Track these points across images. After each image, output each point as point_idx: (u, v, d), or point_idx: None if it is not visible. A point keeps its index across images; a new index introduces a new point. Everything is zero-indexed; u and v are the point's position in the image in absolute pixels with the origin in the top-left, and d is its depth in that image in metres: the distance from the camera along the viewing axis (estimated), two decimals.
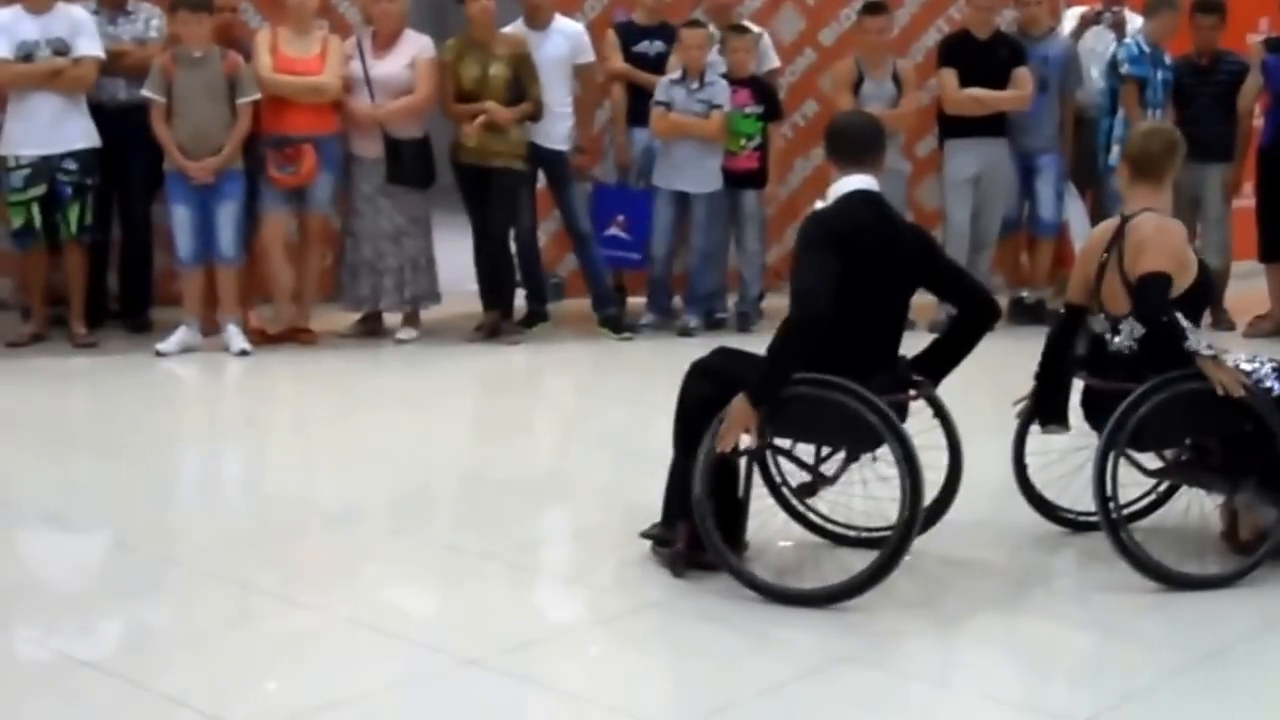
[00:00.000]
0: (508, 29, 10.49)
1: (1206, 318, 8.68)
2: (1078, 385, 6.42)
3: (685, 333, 10.60)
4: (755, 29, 11.16)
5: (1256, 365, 6.04)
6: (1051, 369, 6.51)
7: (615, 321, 10.62)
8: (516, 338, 10.37)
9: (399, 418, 8.64)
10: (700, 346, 10.14)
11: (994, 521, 6.62)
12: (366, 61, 10.16)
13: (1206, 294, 6.49)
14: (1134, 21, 11.33)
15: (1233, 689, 5.03)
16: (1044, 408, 6.55)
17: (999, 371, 10.00)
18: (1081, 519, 6.43)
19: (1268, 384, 5.95)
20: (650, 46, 10.80)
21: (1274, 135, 10.46)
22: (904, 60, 11.22)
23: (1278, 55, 10.49)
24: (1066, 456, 6.30)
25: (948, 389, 9.75)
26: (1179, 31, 11.01)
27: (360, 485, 7.28)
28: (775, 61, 11.29)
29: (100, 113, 9.94)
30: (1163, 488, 6.54)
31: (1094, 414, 6.22)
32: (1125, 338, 6.06)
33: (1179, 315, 5.81)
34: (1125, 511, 5.98)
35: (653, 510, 6.62)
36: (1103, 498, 5.74)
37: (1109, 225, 6.31)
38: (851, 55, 10.96)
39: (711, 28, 10.80)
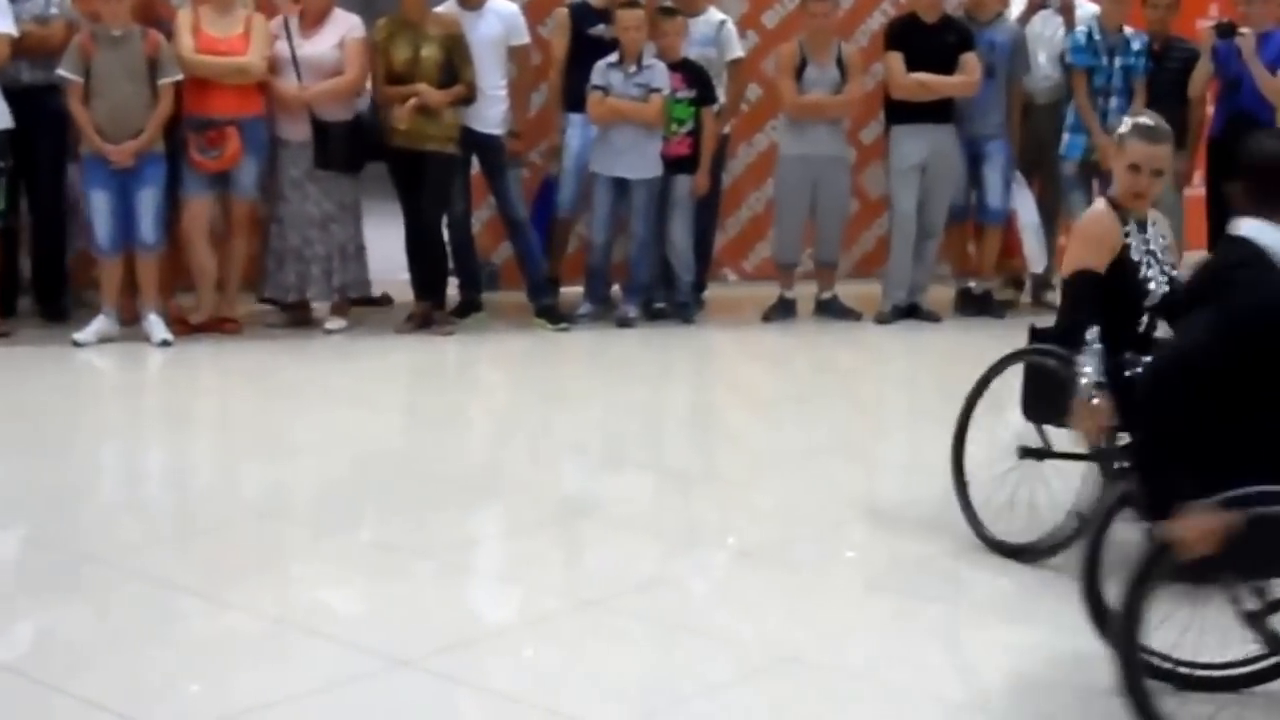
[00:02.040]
0: (440, 8, 10.22)
1: None
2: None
3: (624, 323, 10.39)
4: (720, 16, 10.91)
5: None
6: None
7: (551, 312, 10.36)
8: (449, 328, 10.09)
9: (327, 411, 8.39)
10: (639, 337, 10.12)
11: (946, 516, 6.37)
12: (293, 42, 9.87)
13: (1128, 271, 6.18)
14: (1086, 8, 11.13)
15: None
16: None
17: (946, 363, 9.96)
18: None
19: None
20: (606, 30, 10.50)
21: (1225, 123, 10.29)
22: (849, 44, 11.02)
23: (1228, 41, 10.30)
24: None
25: (892, 380, 9.76)
26: (1133, 16, 10.80)
27: (287, 481, 7.08)
28: (738, 51, 11.01)
29: (4, 95, 9.57)
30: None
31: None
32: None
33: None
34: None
35: (587, 504, 6.49)
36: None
37: None
38: (795, 39, 10.74)
39: (713, 10, 10.73)
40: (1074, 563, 5.71)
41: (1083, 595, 4.73)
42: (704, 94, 10.51)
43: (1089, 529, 4.87)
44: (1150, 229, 5.90)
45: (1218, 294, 4.34)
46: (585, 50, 10.45)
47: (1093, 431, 5.46)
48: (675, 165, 10.48)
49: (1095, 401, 5.38)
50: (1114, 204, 5.90)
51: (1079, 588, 4.71)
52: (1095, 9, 10.99)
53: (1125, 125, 5.92)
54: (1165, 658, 4.57)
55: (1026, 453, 6.15)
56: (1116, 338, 5.68)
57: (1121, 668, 4.18)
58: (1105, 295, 5.78)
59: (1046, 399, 5.91)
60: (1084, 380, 5.46)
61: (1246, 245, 4.42)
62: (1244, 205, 4.47)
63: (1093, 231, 5.87)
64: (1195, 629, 4.55)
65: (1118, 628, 4.25)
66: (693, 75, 10.47)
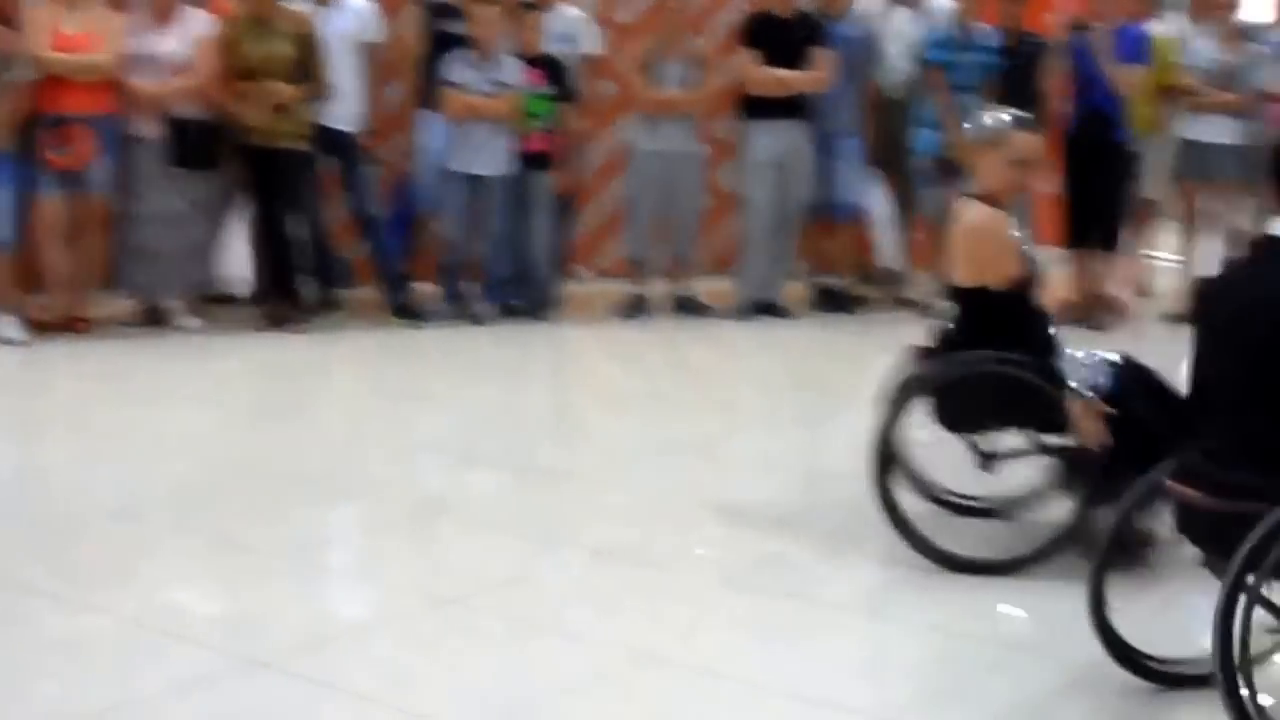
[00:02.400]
0: (293, 4, 10.12)
1: None
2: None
3: (479, 320, 10.37)
4: (575, 11, 10.93)
5: (1084, 357, 5.86)
6: None
7: (406, 309, 10.32)
8: (303, 326, 10.02)
9: (182, 410, 8.31)
10: (494, 334, 10.11)
11: (803, 513, 6.52)
12: (145, 38, 9.74)
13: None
14: (939, 3, 11.24)
15: None
16: None
17: (801, 360, 10.05)
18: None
19: (1100, 380, 5.72)
20: (461, 26, 10.45)
21: (1079, 120, 10.43)
22: (703, 39, 11.04)
23: (1081, 36, 10.44)
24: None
25: (747, 377, 9.81)
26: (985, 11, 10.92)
27: (141, 480, 6.96)
28: (594, 47, 11.04)
29: None
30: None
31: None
32: (948, 320, 6.00)
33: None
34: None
35: (443, 502, 6.45)
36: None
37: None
38: (649, 35, 10.74)
39: (568, 6, 10.83)
40: (924, 560, 5.87)
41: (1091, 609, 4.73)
42: (564, 90, 10.51)
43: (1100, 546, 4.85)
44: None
45: None
46: (439, 46, 10.42)
47: (1094, 433, 5.53)
48: (534, 161, 10.47)
49: (1089, 403, 5.52)
50: (988, 201, 5.93)
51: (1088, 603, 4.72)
52: (949, 5, 11.09)
53: (999, 119, 5.95)
54: None
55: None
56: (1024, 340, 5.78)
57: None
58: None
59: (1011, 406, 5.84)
60: (1075, 384, 5.56)
61: None
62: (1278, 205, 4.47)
63: (1005, 235, 5.87)
64: None
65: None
66: (552, 71, 10.47)
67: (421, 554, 6.11)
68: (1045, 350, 5.72)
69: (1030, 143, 6.00)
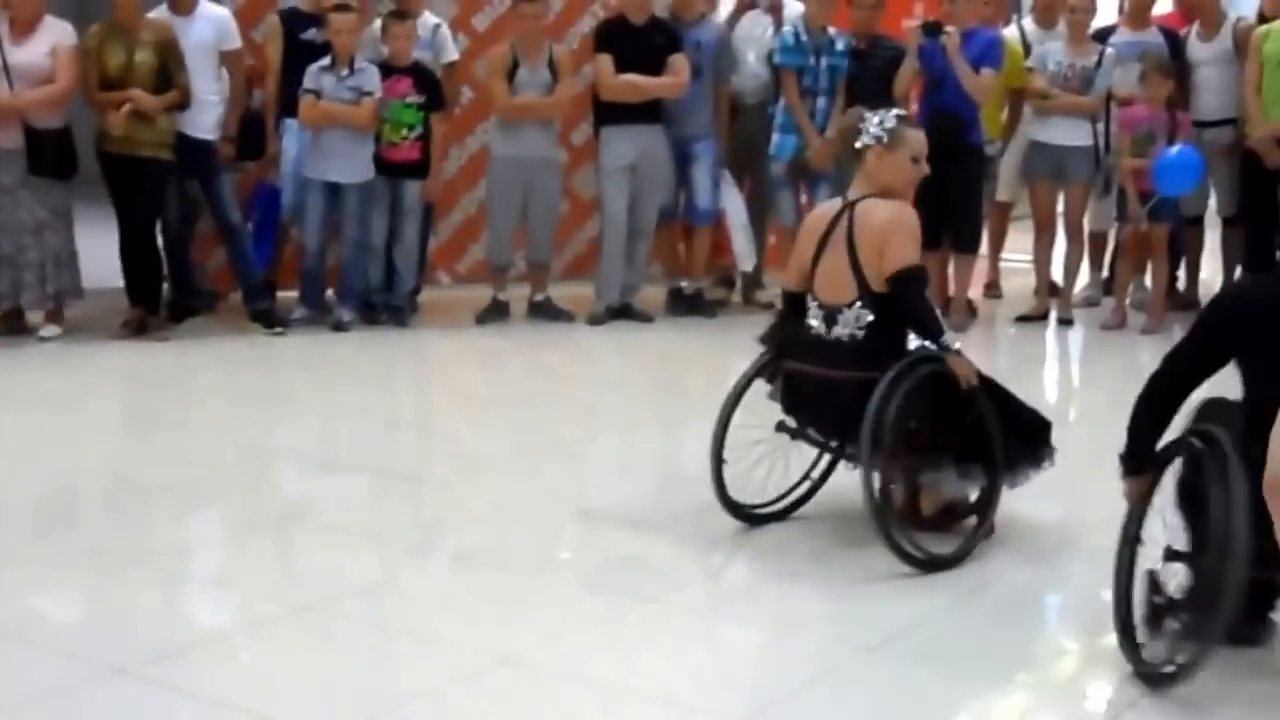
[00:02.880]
0: (152, 14, 10.09)
1: None
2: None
3: (339, 327, 10.35)
4: (434, 19, 10.94)
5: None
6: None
7: (267, 316, 10.31)
8: (165, 334, 9.98)
9: (41, 418, 8.24)
10: (355, 341, 10.11)
11: (661, 516, 6.59)
12: (4, 48, 9.65)
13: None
14: (793, 7, 11.34)
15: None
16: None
17: (659, 364, 10.12)
18: (759, 510, 6.42)
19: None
20: (318, 34, 10.43)
21: (929, 120, 10.54)
22: (559, 46, 11.07)
23: (934, 40, 10.57)
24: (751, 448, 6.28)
25: (605, 381, 9.86)
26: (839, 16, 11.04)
27: (0, 487, 6.91)
28: (453, 54, 11.06)
29: None
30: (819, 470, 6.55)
31: (803, 402, 6.27)
32: (847, 326, 6.05)
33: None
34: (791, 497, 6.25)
35: (304, 509, 6.48)
36: (870, 496, 5.77)
37: (829, 209, 6.30)
38: (506, 41, 10.78)
39: (427, 14, 10.83)
40: (779, 555, 5.96)
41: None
42: (433, 99, 10.53)
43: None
44: None
45: None
46: (298, 55, 10.39)
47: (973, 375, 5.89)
48: (404, 170, 10.48)
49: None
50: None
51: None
52: (802, 9, 11.18)
53: (888, 120, 6.11)
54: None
55: (781, 428, 6.34)
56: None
57: None
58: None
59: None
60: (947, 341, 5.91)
61: None
62: None
63: (915, 225, 6.05)
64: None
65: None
66: (422, 80, 10.48)
67: (282, 560, 6.14)
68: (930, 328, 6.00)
69: (922, 139, 6.20)
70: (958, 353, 5.91)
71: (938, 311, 5.97)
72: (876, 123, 6.11)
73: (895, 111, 6.24)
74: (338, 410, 8.65)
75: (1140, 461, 5.14)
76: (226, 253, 10.54)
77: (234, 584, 5.85)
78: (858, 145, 6.13)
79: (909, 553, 5.84)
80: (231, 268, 10.56)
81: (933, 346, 5.98)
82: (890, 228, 5.98)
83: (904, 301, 5.98)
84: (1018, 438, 6.16)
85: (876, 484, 5.80)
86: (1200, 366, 5.04)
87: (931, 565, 5.87)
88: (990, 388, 6.13)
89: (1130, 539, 5.01)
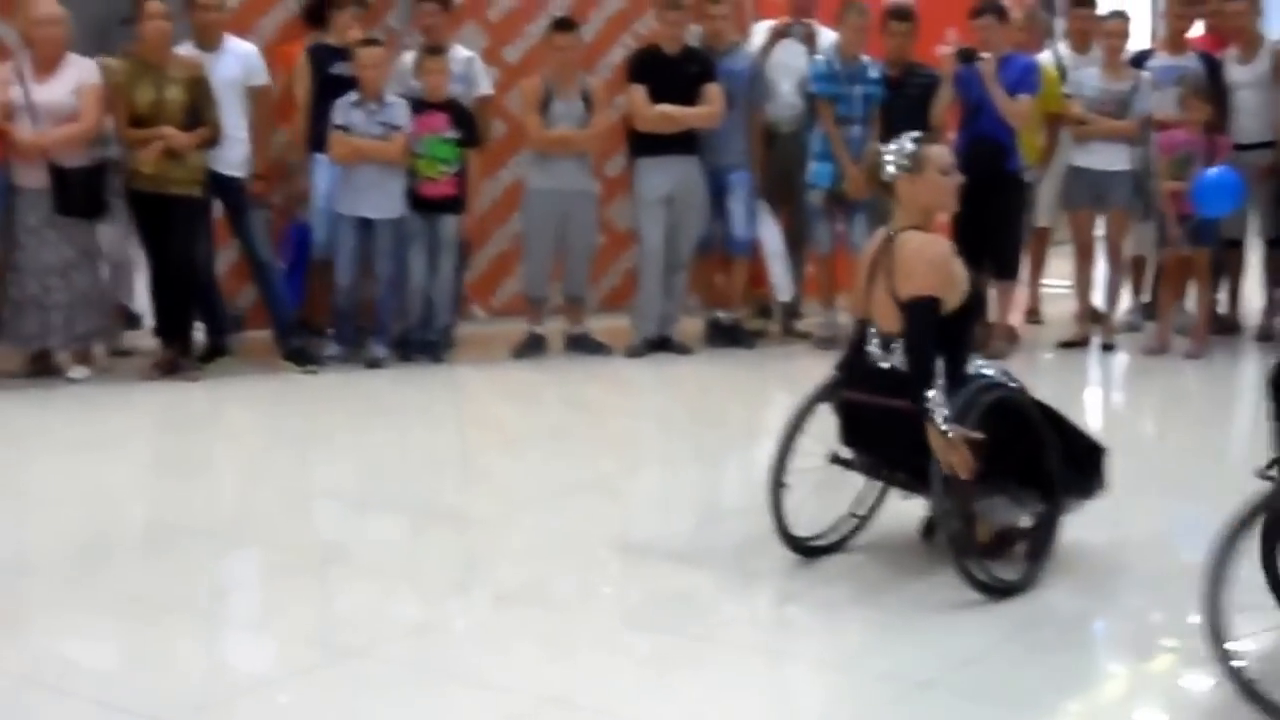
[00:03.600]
0: (179, 49, 10.01)
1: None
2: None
3: (373, 364, 10.27)
4: (466, 53, 10.88)
5: (991, 372, 6.16)
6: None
7: (300, 354, 10.22)
8: (196, 374, 9.90)
9: (74, 461, 8.16)
10: (390, 378, 10.03)
11: (701, 550, 6.48)
12: (27, 87, 9.60)
13: (977, 308, 6.56)
14: (828, 35, 11.25)
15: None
16: None
17: (698, 397, 10.03)
18: (814, 543, 6.34)
19: (1012, 383, 6.09)
20: (347, 68, 10.36)
21: (967, 147, 10.45)
22: (592, 77, 10.99)
23: (970, 66, 10.49)
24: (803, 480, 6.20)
25: (644, 414, 9.77)
26: (872, 44, 10.96)
27: (34, 533, 6.86)
28: (487, 88, 11.00)
29: None
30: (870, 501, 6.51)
31: (862, 431, 6.22)
32: (900, 354, 5.99)
33: (937, 363, 5.81)
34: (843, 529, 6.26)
35: (342, 550, 6.42)
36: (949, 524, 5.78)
37: (876, 239, 6.24)
38: (539, 73, 10.71)
39: (459, 48, 10.82)
40: (826, 589, 5.86)
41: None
42: (469, 134, 10.45)
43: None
44: None
45: None
46: (328, 90, 10.34)
47: (963, 464, 5.66)
48: (440, 205, 10.40)
49: (954, 433, 5.66)
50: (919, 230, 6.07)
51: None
52: (835, 37, 11.11)
53: (905, 145, 6.07)
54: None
55: (836, 460, 6.28)
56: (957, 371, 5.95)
57: None
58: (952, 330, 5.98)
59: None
60: (941, 415, 5.69)
61: None
62: None
63: (951, 268, 5.98)
64: None
65: None
66: (457, 115, 10.40)
67: (322, 604, 6.06)
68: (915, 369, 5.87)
69: (945, 151, 6.20)
70: (945, 433, 5.70)
71: (937, 362, 5.84)
72: (895, 151, 6.09)
73: (910, 135, 6.18)
74: (374, 449, 8.54)
75: None
76: (259, 291, 10.47)
77: (273, 629, 5.77)
78: (885, 179, 6.10)
79: (978, 578, 5.77)
80: (264, 306, 10.48)
81: (992, 375, 5.99)
82: (913, 258, 5.94)
83: (910, 332, 5.91)
84: (1071, 464, 6.08)
85: (951, 512, 5.76)
86: None
87: (997, 592, 5.80)
88: (1047, 413, 6.05)
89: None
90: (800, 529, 6.26)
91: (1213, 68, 11.39)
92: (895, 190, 6.10)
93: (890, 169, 6.06)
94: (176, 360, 9.90)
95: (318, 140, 10.40)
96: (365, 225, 10.24)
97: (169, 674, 5.16)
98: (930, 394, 5.73)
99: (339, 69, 10.43)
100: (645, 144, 10.77)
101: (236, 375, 10.09)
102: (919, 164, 6.04)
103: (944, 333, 5.93)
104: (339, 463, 8.36)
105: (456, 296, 10.96)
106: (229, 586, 6.43)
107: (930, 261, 5.93)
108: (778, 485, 6.16)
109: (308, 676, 5.19)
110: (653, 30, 11.19)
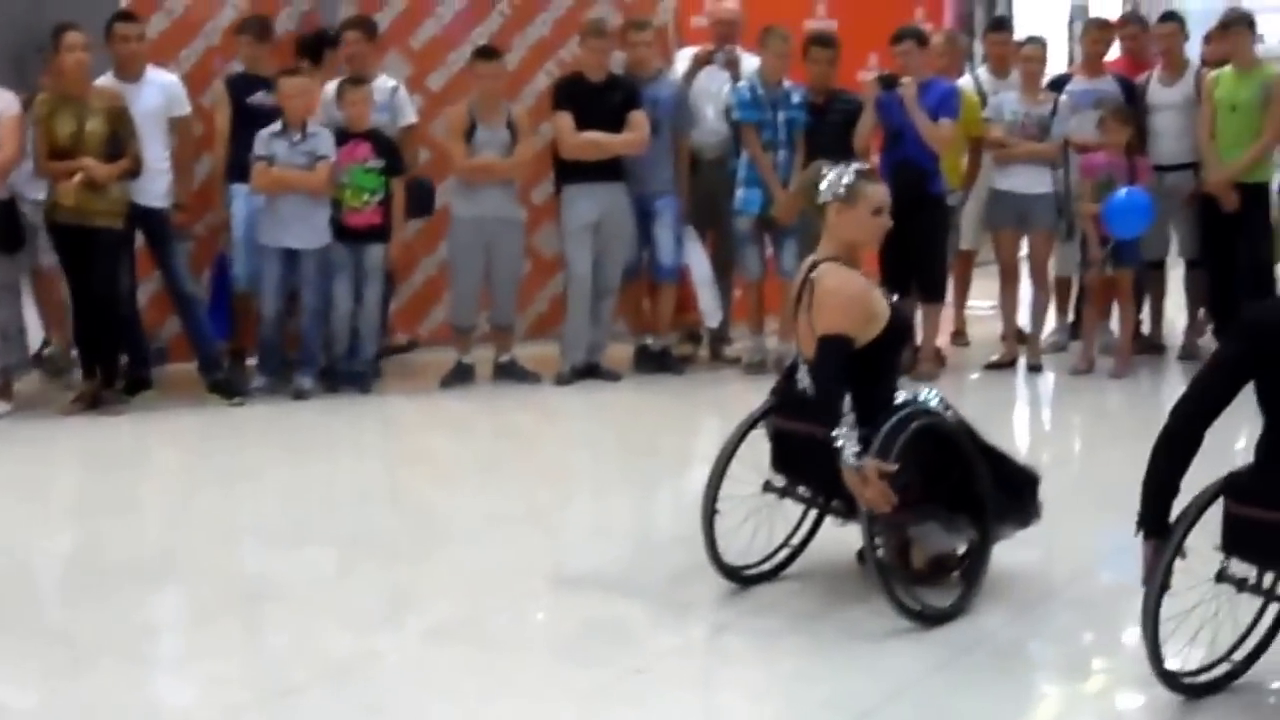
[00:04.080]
0: (99, 81, 9.93)
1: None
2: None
3: (300, 395, 10.18)
4: (391, 82, 10.83)
5: (927, 395, 6.18)
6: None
7: (225, 386, 10.13)
8: (119, 407, 9.80)
9: None
10: (317, 409, 9.95)
11: (636, 579, 6.51)
12: None
13: (901, 337, 6.52)
14: (751, 61, 11.25)
15: None
16: None
17: (628, 424, 10.01)
18: (749, 571, 6.36)
19: (944, 409, 6.12)
20: (267, 98, 10.32)
21: (890, 172, 10.46)
22: (517, 105, 10.96)
23: (892, 91, 10.52)
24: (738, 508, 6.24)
25: (574, 442, 9.74)
26: (794, 70, 10.98)
27: None
28: (412, 117, 10.93)
29: None
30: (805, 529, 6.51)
31: (792, 459, 6.26)
32: None
33: (846, 403, 5.79)
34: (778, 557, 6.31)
35: (272, 586, 6.38)
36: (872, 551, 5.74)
37: (804, 267, 6.25)
38: (464, 101, 10.67)
39: (384, 77, 10.75)
40: (763, 617, 5.85)
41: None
42: (392, 163, 10.41)
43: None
44: None
45: None
46: (247, 120, 10.28)
47: (878, 498, 5.66)
48: (366, 235, 10.35)
49: (868, 469, 5.66)
50: (844, 260, 6.07)
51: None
52: (758, 63, 11.10)
53: (845, 175, 6.06)
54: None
55: (768, 488, 6.30)
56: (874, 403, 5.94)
57: None
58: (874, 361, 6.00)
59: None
60: (851, 452, 5.70)
61: None
62: None
63: (866, 306, 6.01)
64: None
65: None
66: (381, 144, 10.36)
67: (251, 642, 6.02)
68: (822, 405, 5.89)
69: (882, 191, 6.15)
70: (858, 469, 5.71)
71: (845, 400, 5.85)
72: (835, 178, 6.08)
73: (855, 166, 6.20)
74: (301, 482, 8.47)
75: (1161, 526, 5.06)
76: (182, 323, 10.35)
77: (203, 668, 5.69)
78: (817, 201, 6.10)
79: (909, 607, 5.78)
80: (187, 337, 10.38)
81: (928, 401, 6.05)
82: (828, 295, 5.95)
83: (817, 369, 5.95)
84: (1006, 492, 6.10)
85: (877, 538, 5.75)
86: (1225, 392, 5.03)
87: (930, 619, 5.81)
88: (978, 441, 6.09)
89: (1152, 614, 4.95)
90: (735, 557, 6.25)
91: (1129, 91, 11.51)
92: (824, 214, 6.11)
93: (826, 194, 6.07)
94: (99, 394, 9.80)
95: (236, 171, 10.34)
96: (290, 256, 10.16)
97: (96, 716, 5.10)
98: (838, 431, 5.73)
99: (258, 99, 10.37)
100: (571, 171, 10.73)
101: (160, 408, 9.97)
102: (852, 197, 6.04)
103: (869, 361, 5.94)
104: (266, 497, 8.26)
105: (384, 326, 10.90)
106: (156, 626, 6.34)
107: (844, 300, 5.95)
108: (710, 513, 6.18)
109: (239, 716, 5.13)
110: (577, 58, 11.15)
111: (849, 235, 6.09)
